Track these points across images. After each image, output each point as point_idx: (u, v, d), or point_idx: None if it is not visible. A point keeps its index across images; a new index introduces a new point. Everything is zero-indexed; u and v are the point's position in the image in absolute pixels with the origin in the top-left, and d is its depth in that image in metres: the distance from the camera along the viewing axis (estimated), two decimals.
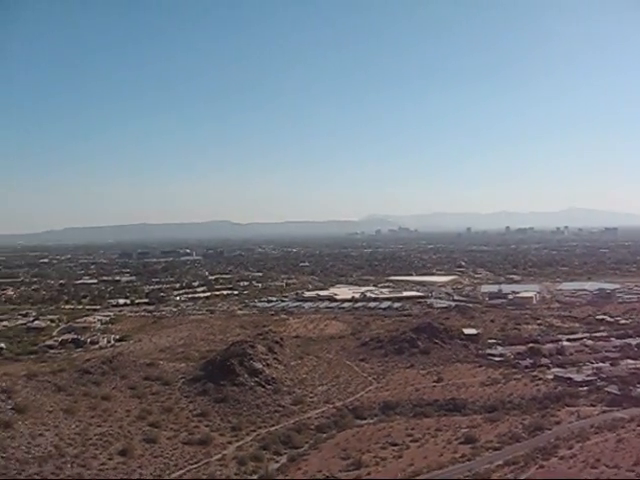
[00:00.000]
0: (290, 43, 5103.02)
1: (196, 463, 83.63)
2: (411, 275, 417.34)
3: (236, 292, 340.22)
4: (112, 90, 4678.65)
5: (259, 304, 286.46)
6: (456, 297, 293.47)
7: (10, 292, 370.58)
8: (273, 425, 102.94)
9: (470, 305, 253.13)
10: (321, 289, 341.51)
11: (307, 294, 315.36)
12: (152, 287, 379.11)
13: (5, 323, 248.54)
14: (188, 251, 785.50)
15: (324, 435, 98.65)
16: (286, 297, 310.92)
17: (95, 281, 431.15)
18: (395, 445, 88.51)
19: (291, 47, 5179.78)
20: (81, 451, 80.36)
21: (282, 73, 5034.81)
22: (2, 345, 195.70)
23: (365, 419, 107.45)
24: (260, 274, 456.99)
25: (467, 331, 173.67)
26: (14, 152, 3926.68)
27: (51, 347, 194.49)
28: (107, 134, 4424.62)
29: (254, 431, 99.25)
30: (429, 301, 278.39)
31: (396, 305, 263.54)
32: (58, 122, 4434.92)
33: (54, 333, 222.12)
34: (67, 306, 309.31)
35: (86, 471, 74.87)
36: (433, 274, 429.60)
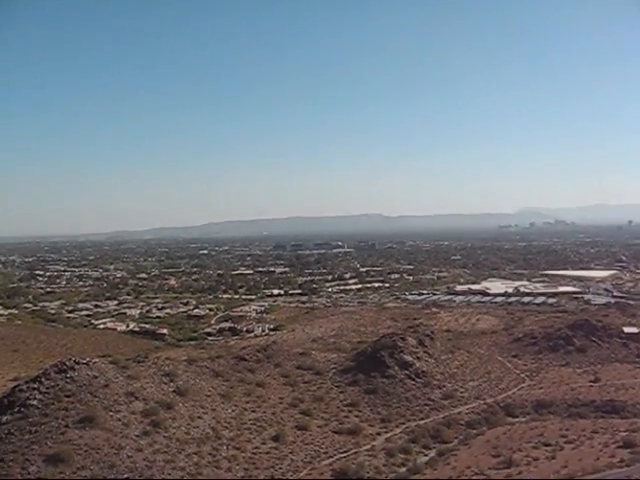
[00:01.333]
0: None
1: (345, 452, 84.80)
2: (567, 270, 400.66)
3: (387, 284, 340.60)
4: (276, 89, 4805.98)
5: (410, 297, 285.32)
6: (616, 293, 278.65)
7: (172, 282, 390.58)
8: (422, 418, 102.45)
9: (631, 302, 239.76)
10: (473, 283, 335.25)
11: (458, 288, 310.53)
12: (305, 278, 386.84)
13: (168, 311, 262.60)
14: (340, 244, 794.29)
15: (474, 431, 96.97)
16: (437, 290, 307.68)
17: (251, 272, 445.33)
18: (548, 445, 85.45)
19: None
20: (236, 434, 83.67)
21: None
22: (165, 331, 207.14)
23: (517, 417, 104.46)
24: (411, 267, 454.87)
25: (627, 329, 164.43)
26: (182, 149, 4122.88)
27: (210, 334, 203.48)
28: (275, 131, 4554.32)
29: (403, 424, 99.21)
30: (586, 297, 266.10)
31: (551, 301, 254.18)
32: (228, 122, 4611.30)
33: (212, 321, 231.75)
34: (225, 295, 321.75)
35: (240, 454, 77.98)
36: (591, 269, 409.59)
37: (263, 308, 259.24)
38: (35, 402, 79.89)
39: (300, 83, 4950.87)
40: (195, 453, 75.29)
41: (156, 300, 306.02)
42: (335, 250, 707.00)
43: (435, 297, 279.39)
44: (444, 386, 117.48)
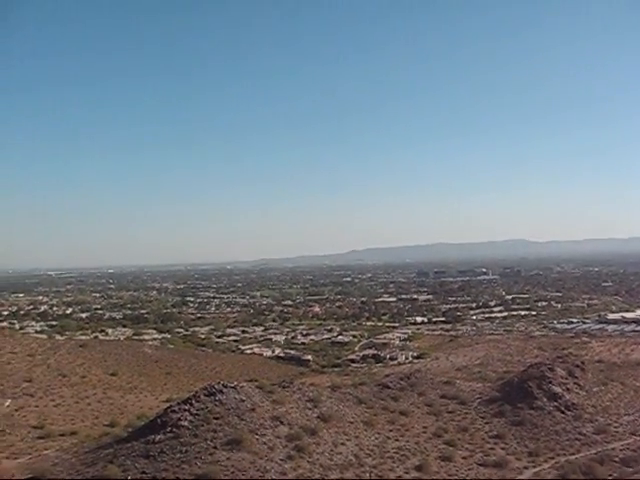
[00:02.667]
0: None
1: None
2: None
3: (534, 312, 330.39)
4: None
5: (558, 325, 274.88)
6: None
7: (317, 308, 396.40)
8: (573, 454, 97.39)
9: None
10: (626, 311, 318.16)
11: (610, 316, 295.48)
12: (449, 306, 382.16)
13: (312, 337, 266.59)
14: (484, 270, 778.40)
15: (630, 469, 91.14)
16: (587, 319, 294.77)
17: (394, 299, 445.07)
18: None
19: None
20: (379, 462, 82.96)
21: None
22: (309, 357, 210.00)
23: None
24: (559, 294, 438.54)
25: None
26: (324, 179, 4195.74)
27: (353, 361, 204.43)
28: (416, 159, 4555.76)
29: (552, 458, 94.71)
30: None
31: None
32: (371, 152, 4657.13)
33: (356, 348, 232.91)
34: (368, 323, 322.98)
35: None
36: None
37: (406, 335, 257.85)
38: (186, 423, 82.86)
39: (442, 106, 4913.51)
40: (338, 479, 75.29)
41: (301, 327, 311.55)
42: (479, 277, 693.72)
43: (585, 326, 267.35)
44: (596, 420, 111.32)
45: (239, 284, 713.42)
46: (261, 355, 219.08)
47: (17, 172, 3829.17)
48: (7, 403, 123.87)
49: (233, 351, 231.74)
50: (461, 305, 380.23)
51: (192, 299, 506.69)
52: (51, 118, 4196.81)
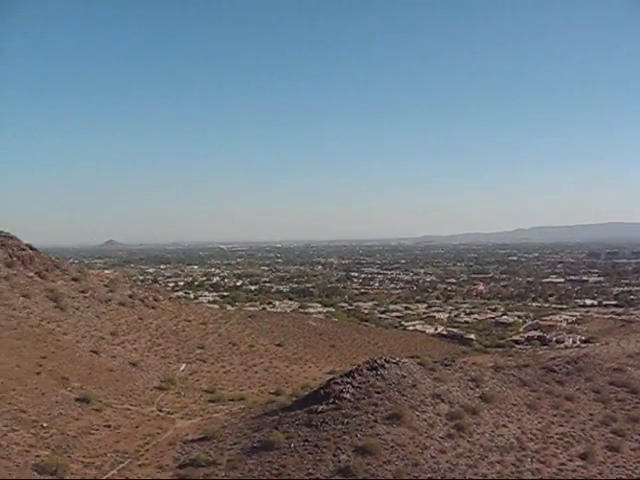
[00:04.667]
0: None
1: None
2: None
3: None
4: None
5: None
6: None
7: (481, 287, 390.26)
8: None
9: None
10: None
11: None
12: (621, 289, 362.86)
13: (476, 316, 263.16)
14: None
15: None
16: None
17: (562, 280, 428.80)
18: None
19: None
20: (541, 447, 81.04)
21: None
22: (472, 337, 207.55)
23: None
24: None
25: None
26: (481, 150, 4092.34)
27: (517, 342, 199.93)
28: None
29: None
30: None
31: None
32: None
33: (520, 329, 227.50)
34: (533, 303, 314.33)
35: (545, 468, 75.40)
36: None
37: (574, 318, 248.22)
38: (348, 395, 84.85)
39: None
40: (498, 462, 74.37)
41: (464, 305, 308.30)
42: None
43: None
44: None
45: (403, 261, 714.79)
46: (423, 332, 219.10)
47: (193, 152, 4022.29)
48: (182, 367, 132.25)
49: (395, 327, 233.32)
50: (634, 288, 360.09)
51: (356, 274, 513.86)
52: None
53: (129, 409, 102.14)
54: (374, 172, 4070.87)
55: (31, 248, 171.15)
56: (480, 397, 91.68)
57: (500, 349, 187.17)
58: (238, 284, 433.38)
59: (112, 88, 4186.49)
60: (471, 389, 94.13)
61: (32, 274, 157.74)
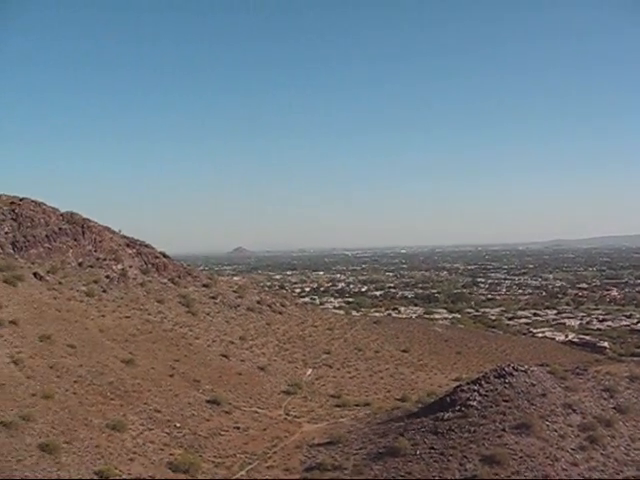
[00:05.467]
0: None
1: None
2: None
3: None
4: None
5: None
6: None
7: (614, 293, 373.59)
8: None
9: None
10: None
11: None
12: None
13: (609, 323, 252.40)
14: None
15: None
16: None
17: None
18: None
19: None
20: None
21: None
22: (606, 344, 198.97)
23: None
24: None
25: None
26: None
27: None
28: None
29: None
30: None
31: None
32: None
33: None
34: None
35: None
36: None
37: None
38: (474, 403, 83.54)
39: None
40: (634, 477, 71.02)
41: (597, 311, 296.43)
42: None
43: None
44: None
45: (531, 265, 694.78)
46: (553, 339, 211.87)
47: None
48: (309, 372, 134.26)
49: (524, 334, 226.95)
50: None
51: (482, 280, 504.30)
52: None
53: (257, 412, 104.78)
54: (501, 175, 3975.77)
55: (164, 256, 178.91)
56: (614, 408, 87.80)
57: (636, 358, 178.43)
58: (363, 290, 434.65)
59: (264, 95, 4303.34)
60: (605, 399, 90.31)
61: (166, 281, 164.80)
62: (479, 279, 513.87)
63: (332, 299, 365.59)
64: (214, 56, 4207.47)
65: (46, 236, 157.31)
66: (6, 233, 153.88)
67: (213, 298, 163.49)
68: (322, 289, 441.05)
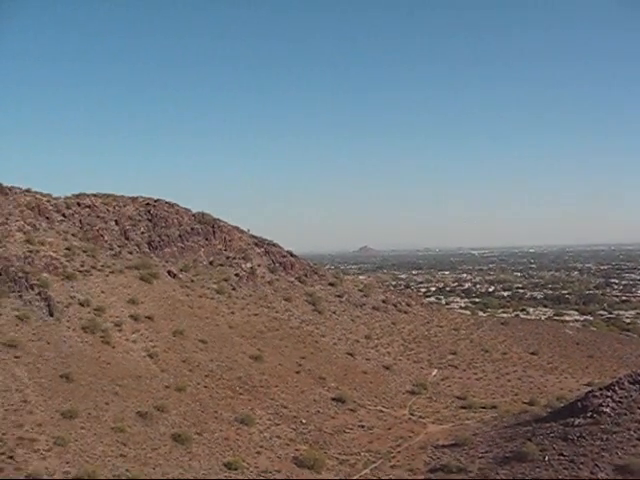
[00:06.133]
0: None
1: None
2: None
3: None
4: None
5: None
6: None
7: None
8: None
9: None
10: None
11: None
12: None
13: None
14: None
15: None
16: None
17: None
18: None
19: None
20: None
21: None
22: None
23: None
24: None
25: None
26: None
27: None
28: None
29: None
30: None
31: None
32: None
33: None
34: None
35: None
36: None
37: None
38: (607, 410, 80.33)
39: None
40: None
41: None
42: None
43: None
44: None
45: None
46: None
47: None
48: (434, 373, 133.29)
49: None
50: None
51: (616, 281, 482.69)
52: None
53: (382, 411, 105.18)
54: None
55: (291, 255, 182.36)
56: None
57: None
58: (490, 290, 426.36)
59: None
60: None
61: (293, 279, 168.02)
62: (612, 280, 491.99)
63: (458, 299, 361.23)
64: None
65: (179, 236, 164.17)
66: (142, 233, 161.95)
67: (339, 297, 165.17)
68: (448, 289, 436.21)
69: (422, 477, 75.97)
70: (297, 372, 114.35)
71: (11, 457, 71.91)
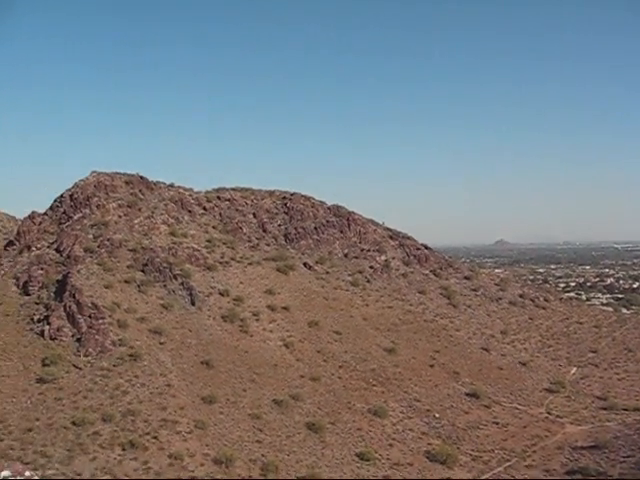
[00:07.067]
0: None
1: None
2: None
3: None
4: None
5: None
6: None
7: None
8: None
9: None
10: None
11: None
12: None
13: None
14: None
15: None
16: None
17: None
18: None
19: None
20: None
21: None
22: None
23: None
24: None
25: None
26: None
27: None
28: None
29: None
30: None
31: None
32: None
33: None
34: None
35: None
36: None
37: None
38: None
39: None
40: None
41: None
42: None
43: None
44: None
45: None
46: None
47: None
48: (573, 371, 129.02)
49: None
50: None
51: None
52: None
53: (517, 408, 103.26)
54: None
55: (426, 248, 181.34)
56: None
57: None
58: (634, 286, 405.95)
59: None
60: None
61: (427, 272, 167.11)
62: None
63: (600, 295, 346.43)
64: None
65: (315, 228, 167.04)
66: (279, 225, 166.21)
67: (474, 290, 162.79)
68: (588, 284, 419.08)
69: (559, 479, 74.09)
70: (431, 366, 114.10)
71: (155, 437, 76.48)
